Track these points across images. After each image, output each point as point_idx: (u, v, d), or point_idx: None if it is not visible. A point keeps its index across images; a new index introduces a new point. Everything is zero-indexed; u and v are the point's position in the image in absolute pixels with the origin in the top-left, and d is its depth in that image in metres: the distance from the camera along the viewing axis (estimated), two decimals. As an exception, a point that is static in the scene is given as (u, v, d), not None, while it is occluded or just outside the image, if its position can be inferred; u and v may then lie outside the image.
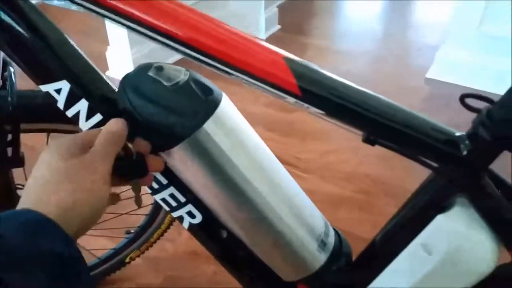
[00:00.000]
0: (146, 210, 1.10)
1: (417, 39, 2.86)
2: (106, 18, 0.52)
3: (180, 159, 0.56)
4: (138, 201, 0.55)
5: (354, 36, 2.93)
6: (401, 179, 1.55)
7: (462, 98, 0.53)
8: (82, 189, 0.43)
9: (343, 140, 1.77)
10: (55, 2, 3.17)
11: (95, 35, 2.50)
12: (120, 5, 0.50)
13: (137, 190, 0.54)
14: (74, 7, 0.57)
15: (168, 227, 1.11)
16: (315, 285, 0.69)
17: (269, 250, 0.66)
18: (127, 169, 0.51)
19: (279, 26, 2.86)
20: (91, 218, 0.44)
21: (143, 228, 1.11)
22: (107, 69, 2.24)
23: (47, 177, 0.43)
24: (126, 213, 1.14)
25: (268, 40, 2.72)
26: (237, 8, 2.72)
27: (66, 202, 0.42)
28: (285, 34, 2.82)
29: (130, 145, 0.53)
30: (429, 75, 2.32)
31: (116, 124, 0.49)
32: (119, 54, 2.19)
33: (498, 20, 2.04)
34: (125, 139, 0.50)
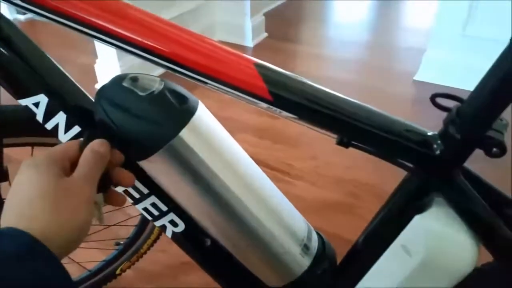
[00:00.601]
0: (135, 221, 1.10)
1: (404, 43, 2.89)
2: (93, 38, 0.53)
3: (159, 168, 0.56)
4: (100, 218, 0.52)
5: (341, 42, 2.95)
6: (390, 182, 1.55)
7: (433, 98, 0.54)
8: (68, 210, 0.43)
9: (332, 144, 1.77)
10: (44, 18, 3.17)
11: (84, 48, 2.51)
12: (100, 22, 0.51)
13: (99, 205, 0.52)
14: (65, 28, 0.58)
15: (157, 238, 1.10)
16: (300, 289, 0.69)
17: (252, 256, 0.67)
18: None
19: (266, 34, 2.87)
20: (76, 239, 0.44)
21: (132, 239, 1.11)
22: (96, 81, 2.25)
23: (32, 196, 0.42)
24: (114, 225, 1.15)
25: (255, 47, 2.74)
26: (224, 17, 2.74)
27: (53, 223, 0.41)
28: (272, 41, 2.84)
29: None
30: (416, 77, 2.34)
31: (101, 145, 0.49)
32: (108, 66, 2.20)
33: (482, 21, 2.06)
34: (108, 159, 0.49)
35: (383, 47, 2.85)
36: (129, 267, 1.17)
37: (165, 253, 1.36)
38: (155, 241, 1.11)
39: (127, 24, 0.51)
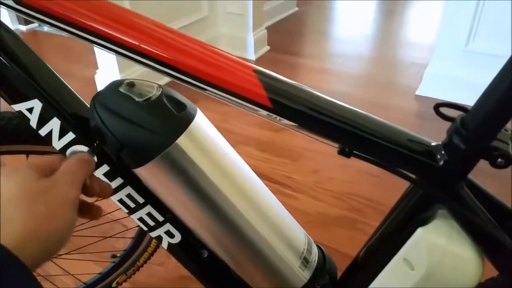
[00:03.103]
0: (132, 232, 1.08)
1: (406, 58, 2.89)
2: (93, 44, 0.52)
3: (155, 176, 0.55)
4: None
5: (344, 56, 2.95)
6: (392, 197, 1.53)
7: (437, 107, 0.53)
8: (47, 212, 0.40)
9: (334, 158, 1.76)
10: (46, 29, 3.20)
11: (85, 59, 2.51)
12: (106, 30, 0.50)
13: None
14: (64, 34, 0.57)
15: (155, 250, 1.09)
16: (299, 303, 0.67)
17: (250, 269, 0.65)
18: None
19: (268, 47, 2.88)
20: (54, 246, 0.40)
21: (129, 252, 1.09)
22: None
23: (6, 199, 0.39)
24: (111, 236, 1.13)
25: (257, 60, 2.75)
26: (226, 30, 2.75)
27: (29, 226, 0.38)
28: (274, 55, 2.85)
29: None
30: (418, 92, 2.34)
31: (85, 154, 0.48)
32: (108, 78, 2.20)
33: (484, 37, 2.07)
34: (93, 169, 0.48)
35: (385, 62, 2.85)
36: (125, 280, 1.15)
37: (162, 266, 1.34)
38: (152, 253, 1.09)
39: (129, 30, 0.50)
